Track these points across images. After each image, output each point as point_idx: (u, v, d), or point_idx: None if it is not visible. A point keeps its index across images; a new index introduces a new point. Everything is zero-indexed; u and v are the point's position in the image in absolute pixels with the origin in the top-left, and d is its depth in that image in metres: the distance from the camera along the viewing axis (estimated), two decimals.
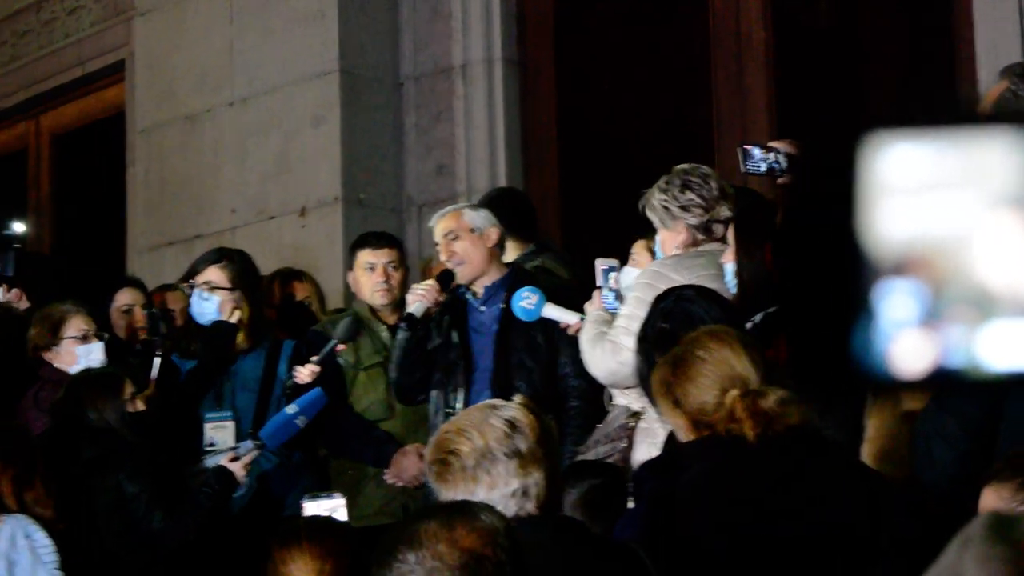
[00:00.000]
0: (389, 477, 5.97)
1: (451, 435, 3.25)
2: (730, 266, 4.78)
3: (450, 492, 3.19)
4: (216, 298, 6.18)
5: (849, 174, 1.29)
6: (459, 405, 5.55)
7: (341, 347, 5.99)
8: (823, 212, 1.34)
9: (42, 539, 5.03)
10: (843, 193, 1.29)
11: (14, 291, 6.66)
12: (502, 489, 3.18)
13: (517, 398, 3.38)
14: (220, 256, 6.35)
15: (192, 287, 6.25)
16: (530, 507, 3.19)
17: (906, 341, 1.29)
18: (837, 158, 1.31)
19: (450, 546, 2.45)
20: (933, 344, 1.29)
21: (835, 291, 1.31)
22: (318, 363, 5.86)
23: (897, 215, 1.30)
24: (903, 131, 1.30)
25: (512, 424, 3.22)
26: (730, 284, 4.75)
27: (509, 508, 3.15)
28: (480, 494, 3.15)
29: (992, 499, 3.51)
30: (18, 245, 5.42)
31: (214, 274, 6.21)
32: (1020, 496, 3.40)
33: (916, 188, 1.30)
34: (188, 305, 6.35)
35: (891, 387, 3.52)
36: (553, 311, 5.45)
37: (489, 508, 2.63)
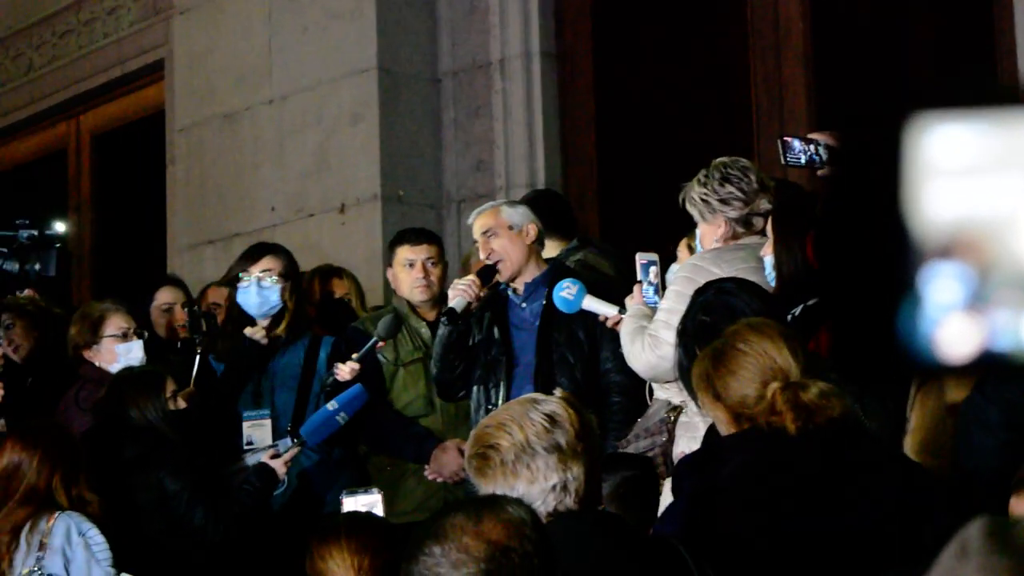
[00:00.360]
0: (429, 473, 5.97)
1: (491, 429, 3.24)
2: (769, 259, 4.75)
3: (489, 486, 3.17)
4: (278, 286, 6.23)
5: (894, 156, 1.27)
6: (500, 401, 5.54)
7: (381, 344, 6.00)
8: (867, 195, 1.32)
9: (96, 536, 5.07)
10: (888, 175, 1.27)
11: (27, 291, 6.67)
12: (541, 484, 3.16)
13: (558, 392, 3.36)
14: (271, 247, 6.41)
15: (236, 281, 6.25)
16: (569, 502, 3.18)
17: (952, 326, 1.27)
18: (881, 140, 1.29)
19: (476, 539, 2.43)
20: (979, 328, 1.27)
21: (880, 275, 1.29)
22: (358, 360, 5.86)
23: (943, 197, 1.28)
24: (949, 113, 1.28)
25: (552, 418, 3.21)
26: (769, 277, 4.73)
27: (548, 503, 3.14)
28: (519, 488, 3.13)
29: (1022, 508, 3.47)
30: (59, 245, 5.42)
31: (272, 263, 6.26)
32: None
33: (962, 170, 1.28)
34: (231, 302, 6.35)
35: (937, 372, 3.48)
36: (593, 303, 5.43)
37: (517, 501, 2.61)
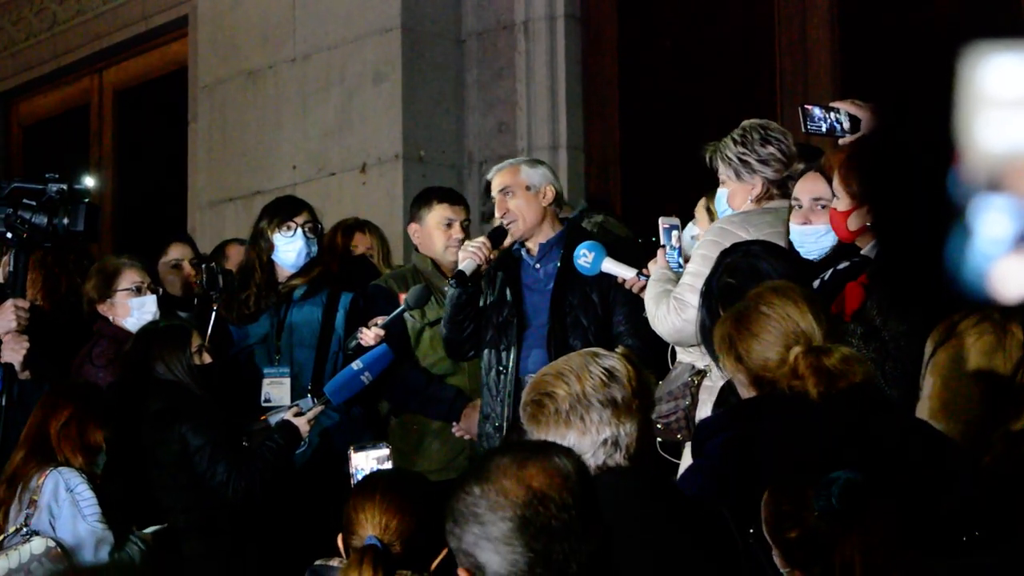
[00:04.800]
0: (457, 430, 5.99)
1: (549, 377, 3.26)
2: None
3: (541, 433, 3.19)
4: (315, 237, 6.31)
5: (946, 86, 1.26)
6: (511, 364, 5.55)
7: (407, 313, 5.99)
8: (918, 126, 1.30)
9: (84, 491, 5.04)
10: (939, 105, 1.26)
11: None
12: (593, 436, 3.18)
13: (619, 348, 3.38)
14: (303, 202, 6.47)
15: (274, 231, 6.26)
16: (619, 458, 3.19)
17: (1008, 265, 1.25)
18: (934, 71, 1.28)
19: (516, 483, 2.44)
20: None
21: (930, 207, 1.28)
22: (383, 326, 5.85)
23: (995, 128, 1.26)
24: (1003, 43, 1.26)
25: (611, 373, 3.23)
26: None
27: (598, 456, 3.16)
28: (571, 439, 3.16)
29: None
30: (87, 200, 5.41)
31: (308, 215, 6.34)
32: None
33: (1015, 102, 1.26)
34: (259, 256, 6.32)
35: (986, 306, 3.47)
36: (611, 265, 5.42)
37: (568, 451, 2.60)
